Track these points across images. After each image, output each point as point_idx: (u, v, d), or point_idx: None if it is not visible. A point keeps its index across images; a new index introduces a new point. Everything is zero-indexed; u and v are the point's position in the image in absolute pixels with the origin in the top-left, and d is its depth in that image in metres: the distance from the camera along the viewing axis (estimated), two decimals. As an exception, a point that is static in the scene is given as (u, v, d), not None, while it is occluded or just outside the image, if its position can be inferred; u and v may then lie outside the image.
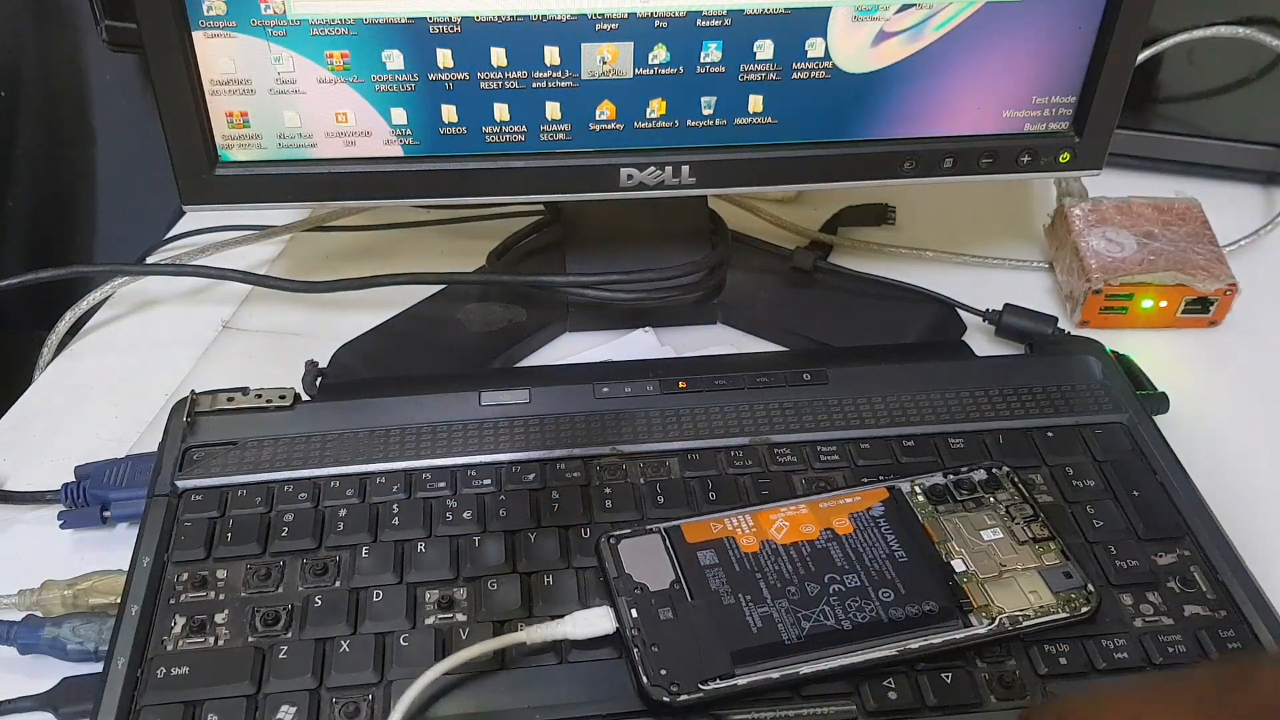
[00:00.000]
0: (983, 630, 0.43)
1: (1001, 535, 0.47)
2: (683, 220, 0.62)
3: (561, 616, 0.43)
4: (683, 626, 0.43)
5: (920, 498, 0.49)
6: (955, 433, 0.53)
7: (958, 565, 0.46)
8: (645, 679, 0.41)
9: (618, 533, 0.46)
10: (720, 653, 0.42)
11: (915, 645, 0.43)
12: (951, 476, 0.49)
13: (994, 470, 0.50)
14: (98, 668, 0.44)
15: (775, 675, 0.41)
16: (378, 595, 0.46)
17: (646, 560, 0.45)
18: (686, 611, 0.43)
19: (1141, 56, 0.67)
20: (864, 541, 0.46)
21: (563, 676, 0.43)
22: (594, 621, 0.43)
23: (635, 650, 0.42)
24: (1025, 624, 0.44)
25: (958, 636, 0.43)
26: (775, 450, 0.52)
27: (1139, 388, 0.57)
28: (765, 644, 0.42)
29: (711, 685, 0.41)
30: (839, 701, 0.42)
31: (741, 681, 0.41)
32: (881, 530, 0.47)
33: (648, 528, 0.47)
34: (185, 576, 0.46)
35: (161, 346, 0.64)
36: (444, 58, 0.52)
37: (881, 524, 0.47)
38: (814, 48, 0.53)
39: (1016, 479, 0.49)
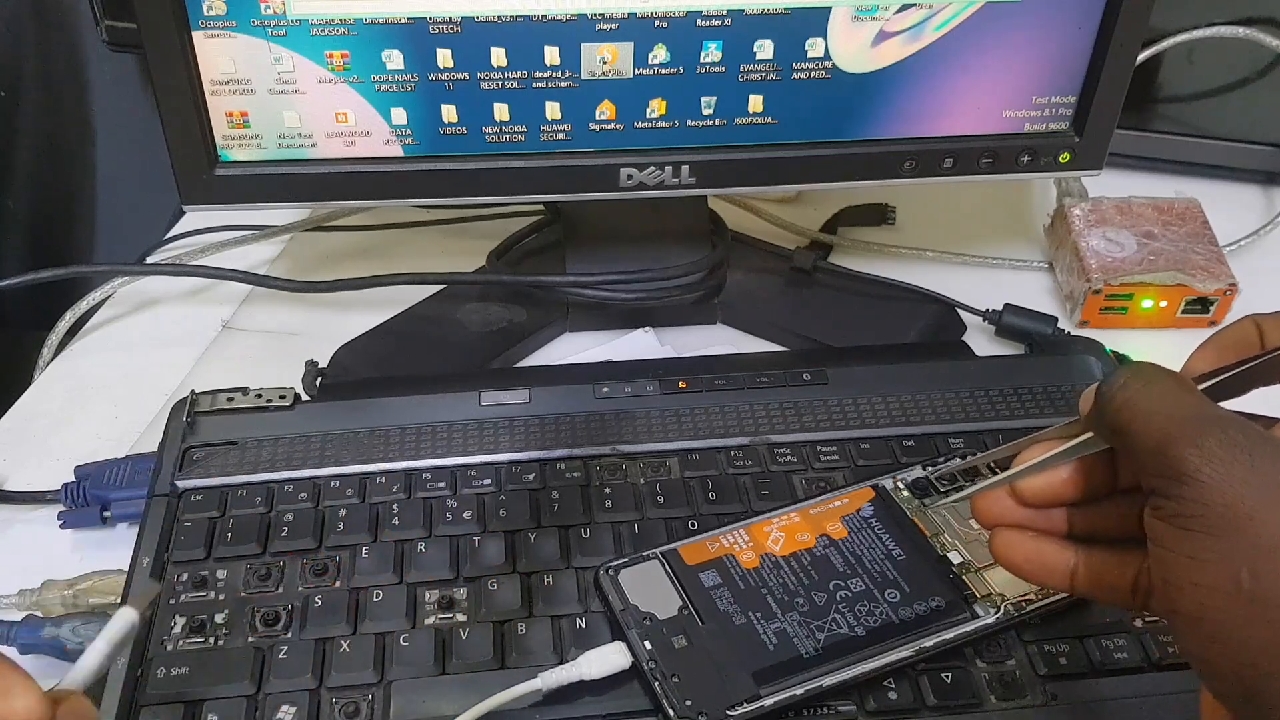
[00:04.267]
0: (991, 620, 0.43)
1: None
2: (683, 220, 0.62)
3: (575, 659, 0.42)
4: (699, 653, 0.42)
5: (905, 493, 0.48)
6: (955, 433, 0.53)
7: (954, 557, 0.46)
8: (671, 711, 0.40)
9: (615, 563, 0.45)
10: (742, 675, 0.41)
11: (930, 643, 0.42)
12: (931, 469, 0.49)
13: (969, 457, 0.50)
14: (98, 668, 0.44)
15: (800, 692, 0.41)
16: (378, 595, 0.45)
17: (650, 588, 0.44)
18: (700, 637, 0.43)
19: (1141, 56, 0.67)
20: (860, 543, 0.46)
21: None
22: (609, 659, 0.42)
23: (656, 683, 0.41)
24: (1030, 608, 0.44)
25: (969, 629, 0.43)
26: (775, 450, 0.52)
27: (1139, 388, 0.57)
28: (784, 660, 0.42)
29: (739, 710, 0.40)
30: (840, 701, 0.42)
31: (768, 702, 0.40)
32: (875, 530, 0.47)
33: (644, 555, 0.46)
34: (185, 576, 0.46)
35: (161, 346, 0.64)
36: (444, 58, 0.52)
37: (874, 524, 0.47)
38: (814, 48, 0.53)
39: (993, 464, 0.49)
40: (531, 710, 0.42)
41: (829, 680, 0.41)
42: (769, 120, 0.55)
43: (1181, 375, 0.33)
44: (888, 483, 0.49)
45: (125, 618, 0.33)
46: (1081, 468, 0.35)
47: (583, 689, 0.42)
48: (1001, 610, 0.43)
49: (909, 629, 0.43)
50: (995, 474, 0.48)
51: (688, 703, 0.40)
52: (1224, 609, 0.28)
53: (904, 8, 0.52)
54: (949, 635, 0.43)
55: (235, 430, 0.52)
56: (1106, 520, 0.35)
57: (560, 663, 0.43)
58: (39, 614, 0.47)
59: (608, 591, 0.44)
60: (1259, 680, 0.28)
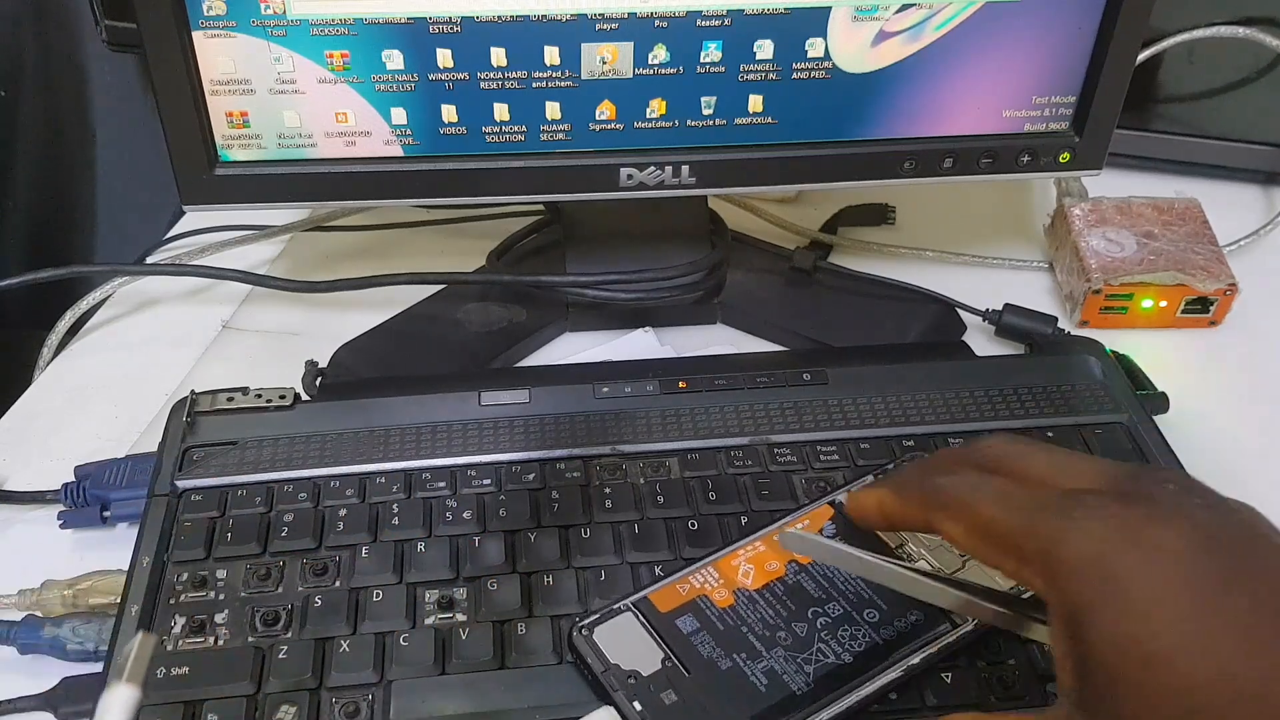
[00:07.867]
0: (970, 626, 0.43)
1: None
2: (683, 220, 0.62)
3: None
4: (692, 706, 0.40)
5: None
6: (955, 433, 0.53)
7: (923, 566, 0.45)
8: None
9: (587, 621, 0.43)
10: None
11: (917, 660, 0.42)
12: (881, 475, 0.49)
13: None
14: (98, 668, 0.44)
15: None
16: (378, 595, 0.45)
17: (627, 643, 0.42)
18: (689, 689, 0.41)
19: (1141, 56, 0.67)
20: (829, 565, 0.45)
21: (563, 676, 0.43)
22: None
23: None
24: None
25: (951, 639, 0.43)
26: (775, 450, 0.52)
27: (1139, 388, 0.57)
28: (778, 700, 0.40)
29: None
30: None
31: None
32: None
33: (616, 608, 0.43)
34: (185, 576, 0.46)
35: (161, 346, 0.64)
36: (444, 58, 0.52)
37: (838, 542, 0.46)
38: (814, 48, 0.53)
39: None
40: (531, 711, 0.42)
41: (825, 714, 0.40)
42: (769, 120, 0.55)
43: None
44: (843, 498, 0.48)
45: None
46: None
47: None
48: None
49: (894, 648, 0.42)
50: None
51: None
52: None
53: (904, 8, 0.52)
54: (933, 649, 0.42)
55: (235, 430, 0.52)
56: None
57: (559, 663, 0.43)
58: (39, 614, 0.47)
59: (585, 654, 0.42)
60: None
